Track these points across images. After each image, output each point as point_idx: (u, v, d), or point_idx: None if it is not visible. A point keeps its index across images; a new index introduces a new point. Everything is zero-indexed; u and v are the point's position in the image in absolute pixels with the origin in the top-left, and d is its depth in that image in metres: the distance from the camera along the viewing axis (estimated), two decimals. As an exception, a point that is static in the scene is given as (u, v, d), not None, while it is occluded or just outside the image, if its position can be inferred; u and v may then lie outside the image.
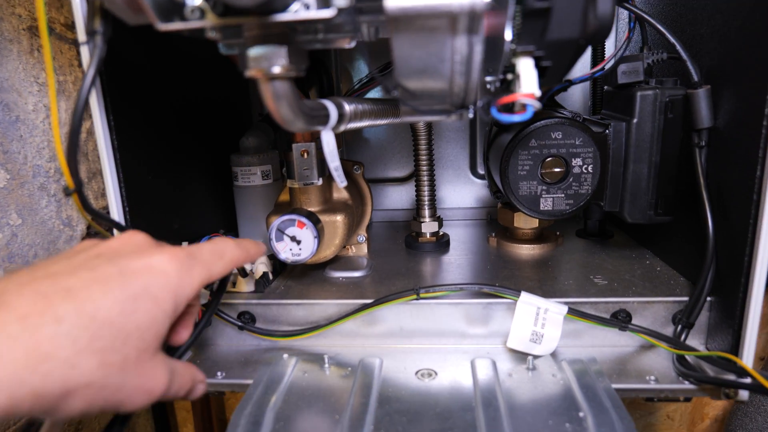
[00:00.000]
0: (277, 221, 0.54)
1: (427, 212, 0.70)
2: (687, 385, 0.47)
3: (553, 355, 0.51)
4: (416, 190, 0.70)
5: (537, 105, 0.34)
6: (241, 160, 0.67)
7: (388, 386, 0.47)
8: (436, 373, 0.49)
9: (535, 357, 0.51)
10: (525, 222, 0.67)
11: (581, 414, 0.42)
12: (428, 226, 0.70)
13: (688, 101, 0.50)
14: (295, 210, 0.55)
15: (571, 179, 0.55)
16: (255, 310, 0.56)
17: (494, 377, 0.48)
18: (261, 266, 0.59)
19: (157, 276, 0.33)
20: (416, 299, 0.53)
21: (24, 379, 0.26)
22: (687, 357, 0.49)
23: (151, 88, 0.57)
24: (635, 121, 0.52)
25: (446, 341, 0.54)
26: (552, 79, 0.38)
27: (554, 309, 0.51)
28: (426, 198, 0.70)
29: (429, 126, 0.67)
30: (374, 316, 0.54)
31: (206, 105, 0.71)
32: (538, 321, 0.51)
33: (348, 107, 0.43)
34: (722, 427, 0.88)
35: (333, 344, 0.55)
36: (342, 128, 0.44)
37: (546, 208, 0.56)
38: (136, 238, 0.36)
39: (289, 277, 0.62)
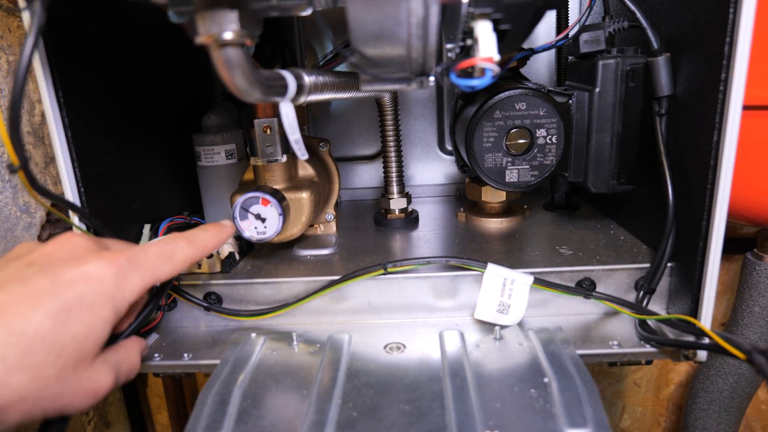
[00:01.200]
0: (240, 199, 0.53)
1: (395, 189, 0.70)
2: (648, 349, 0.48)
3: (520, 324, 0.52)
4: (384, 167, 0.69)
5: (496, 69, 0.33)
6: (204, 139, 0.66)
7: (356, 361, 0.47)
8: (404, 347, 0.49)
9: (503, 327, 0.51)
10: (492, 196, 0.67)
11: (546, 379, 0.43)
12: (397, 203, 0.70)
13: (648, 69, 0.50)
14: (260, 187, 0.54)
15: (535, 150, 0.55)
16: (221, 291, 0.55)
17: (462, 348, 0.48)
18: (227, 246, 0.58)
19: (93, 284, 0.32)
20: (384, 274, 0.52)
21: None
22: (649, 322, 0.50)
23: (107, 63, 0.55)
24: (597, 90, 0.52)
25: (415, 315, 0.54)
26: (512, 43, 0.37)
27: (520, 279, 0.51)
28: (394, 174, 0.69)
29: (395, 101, 0.66)
30: (342, 293, 0.54)
31: (167, 82, 0.68)
32: (504, 292, 0.51)
33: (308, 78, 0.42)
34: (686, 391, 0.91)
35: (301, 322, 0.55)
36: (302, 100, 0.43)
37: (512, 180, 0.56)
38: (74, 241, 0.35)
39: (257, 256, 0.62)
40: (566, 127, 0.54)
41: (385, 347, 0.49)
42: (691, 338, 0.47)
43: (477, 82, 0.33)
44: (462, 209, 0.72)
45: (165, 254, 0.38)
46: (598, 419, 0.38)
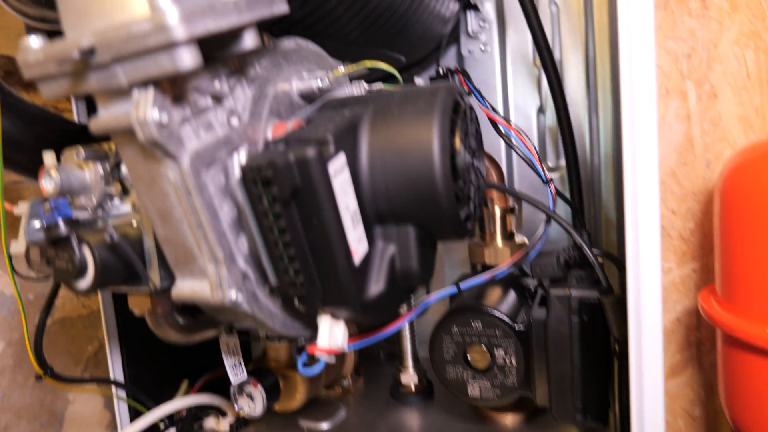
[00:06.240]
0: (237, 381, 0.63)
1: (409, 362, 0.72)
2: None
3: None
4: (398, 339, 0.73)
5: (330, 360, 0.38)
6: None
7: None
8: None
9: None
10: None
11: None
12: (408, 378, 0.72)
13: (602, 306, 0.47)
14: (257, 369, 0.64)
15: (495, 369, 0.54)
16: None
17: None
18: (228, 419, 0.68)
19: None
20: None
21: None
22: None
23: None
24: (550, 320, 0.50)
25: None
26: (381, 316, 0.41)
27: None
28: (408, 346, 0.72)
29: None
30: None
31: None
32: None
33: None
34: None
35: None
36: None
37: (474, 395, 0.55)
38: None
39: (267, 425, 0.70)
40: (525, 352, 0.52)
41: None
42: None
43: (312, 371, 0.38)
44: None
45: None
46: None
